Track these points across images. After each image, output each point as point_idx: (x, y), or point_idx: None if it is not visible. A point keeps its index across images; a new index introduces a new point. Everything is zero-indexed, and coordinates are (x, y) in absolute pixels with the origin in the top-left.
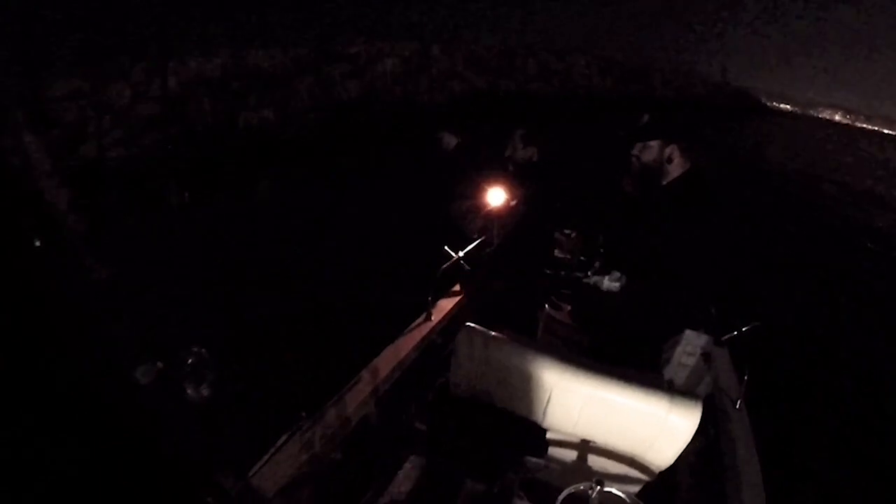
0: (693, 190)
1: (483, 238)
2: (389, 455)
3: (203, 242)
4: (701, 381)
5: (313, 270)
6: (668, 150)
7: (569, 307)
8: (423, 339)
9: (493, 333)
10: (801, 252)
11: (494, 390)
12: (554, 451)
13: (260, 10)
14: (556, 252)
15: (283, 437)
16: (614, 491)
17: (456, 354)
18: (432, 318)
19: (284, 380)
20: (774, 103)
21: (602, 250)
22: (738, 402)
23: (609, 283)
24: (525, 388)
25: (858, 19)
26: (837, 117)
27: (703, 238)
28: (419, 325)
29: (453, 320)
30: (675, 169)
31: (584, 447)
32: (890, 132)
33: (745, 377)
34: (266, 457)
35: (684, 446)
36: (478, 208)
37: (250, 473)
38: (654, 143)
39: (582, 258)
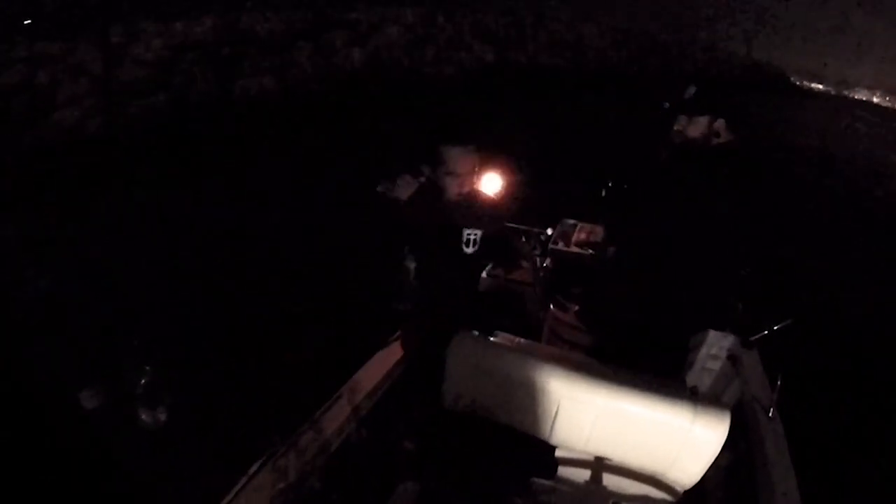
0: (733, 170)
1: (480, 231)
2: (377, 482)
3: (167, 240)
4: (728, 387)
5: (293, 269)
6: (716, 125)
7: (576, 307)
8: (412, 347)
9: (491, 339)
10: (838, 242)
11: (494, 404)
12: (564, 472)
13: None
14: (560, 244)
15: (255, 466)
16: None
17: (449, 364)
18: (422, 323)
19: (254, 399)
20: (805, 81)
21: (615, 238)
22: (771, 410)
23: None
24: (529, 400)
25: None
26: (875, 98)
27: (731, 224)
28: (407, 331)
29: (445, 325)
30: (720, 146)
31: (598, 466)
32: None
33: (779, 382)
34: (235, 489)
35: (711, 461)
36: (473, 196)
37: None
38: (703, 118)
39: (591, 251)
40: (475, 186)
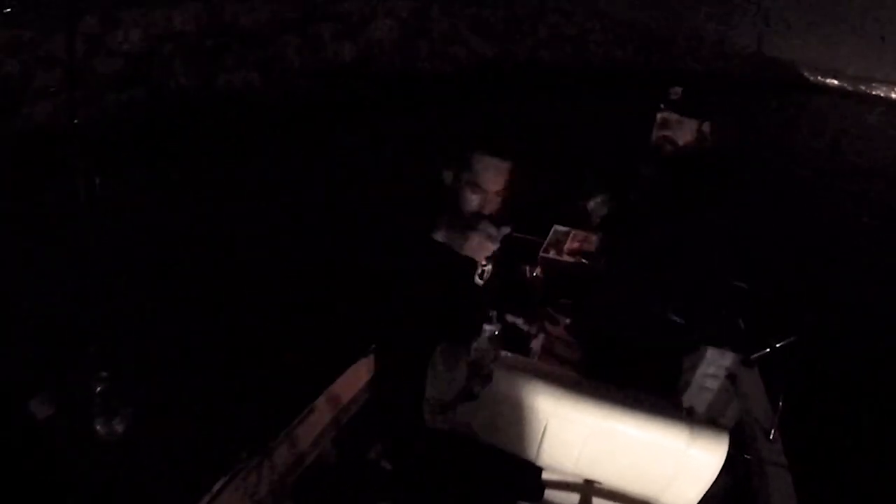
0: (727, 175)
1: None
2: (352, 502)
3: (136, 239)
4: (727, 407)
5: (268, 272)
6: (704, 129)
7: (567, 320)
8: (391, 360)
9: (474, 351)
10: (847, 251)
11: (478, 422)
12: (551, 495)
13: None
14: (551, 252)
15: (220, 483)
16: None
17: (430, 379)
18: (402, 334)
19: (221, 410)
20: (819, 77)
21: (609, 248)
22: (772, 432)
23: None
24: (515, 418)
25: None
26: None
27: (731, 234)
28: (386, 343)
29: (428, 337)
30: (711, 151)
31: (588, 490)
32: None
33: (780, 403)
34: None
35: (709, 486)
36: (494, 218)
37: None
38: (690, 121)
39: (584, 261)
40: (499, 208)
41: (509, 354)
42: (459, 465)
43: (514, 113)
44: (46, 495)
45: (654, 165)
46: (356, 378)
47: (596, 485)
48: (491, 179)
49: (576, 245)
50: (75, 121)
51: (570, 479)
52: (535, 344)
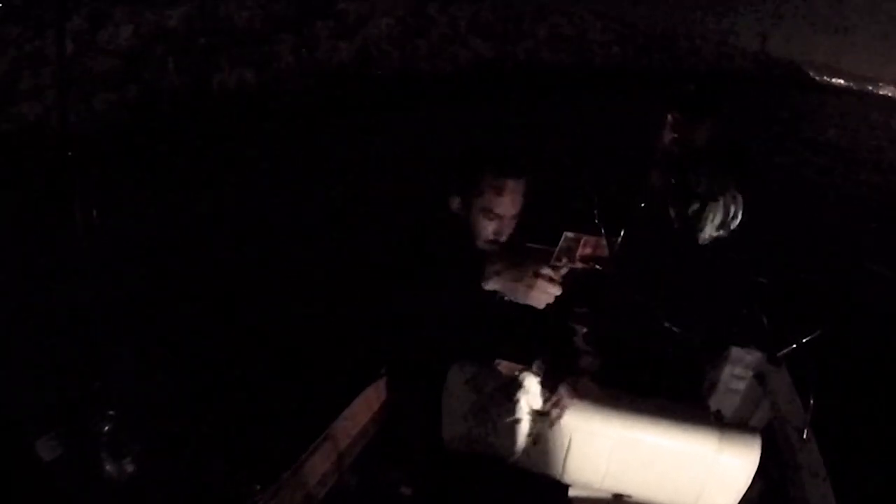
0: (742, 174)
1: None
2: None
3: (135, 255)
4: (756, 409)
5: (274, 290)
6: (715, 128)
7: (584, 329)
8: (405, 381)
9: (492, 368)
10: (870, 246)
11: (499, 441)
12: None
13: None
14: (563, 260)
15: None
16: None
17: (446, 398)
18: (414, 354)
19: (232, 446)
20: (825, 77)
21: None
22: (805, 432)
23: None
24: (539, 436)
25: None
26: None
27: (751, 231)
28: (398, 364)
29: (441, 356)
30: (725, 152)
31: None
32: None
33: (811, 401)
34: None
35: (742, 493)
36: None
37: None
38: (705, 121)
39: (598, 267)
40: (514, 232)
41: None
42: (482, 487)
43: (514, 114)
44: None
45: (664, 166)
46: (370, 402)
47: (625, 499)
48: (507, 204)
49: (588, 251)
50: (65, 121)
51: (597, 494)
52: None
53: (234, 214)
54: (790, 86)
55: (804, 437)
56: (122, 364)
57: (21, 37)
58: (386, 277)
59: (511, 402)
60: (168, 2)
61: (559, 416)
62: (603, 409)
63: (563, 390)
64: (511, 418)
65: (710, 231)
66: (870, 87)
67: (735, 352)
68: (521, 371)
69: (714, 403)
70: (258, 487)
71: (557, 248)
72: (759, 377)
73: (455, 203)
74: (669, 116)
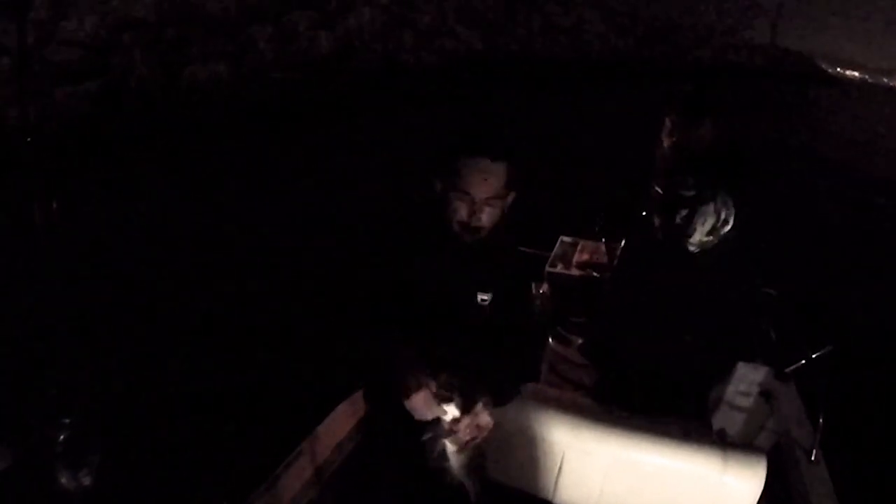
0: (746, 176)
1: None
2: None
3: (95, 255)
4: (762, 428)
5: (245, 292)
6: (718, 129)
7: (580, 340)
8: (381, 396)
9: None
10: (884, 251)
11: (490, 460)
12: None
13: None
14: (558, 266)
15: None
16: None
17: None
18: (391, 364)
19: (199, 458)
20: (838, 70)
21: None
22: (813, 452)
23: None
24: (527, 452)
25: None
26: None
27: (756, 238)
28: (374, 376)
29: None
30: (724, 154)
31: None
32: None
33: (821, 420)
34: None
35: None
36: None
37: None
38: (704, 122)
39: (595, 274)
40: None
41: None
42: None
43: (506, 109)
44: None
45: (667, 168)
46: (346, 416)
47: None
48: (478, 184)
49: (585, 257)
50: (26, 115)
51: None
52: (546, 368)
53: (204, 214)
54: (802, 79)
55: (813, 458)
56: (80, 368)
57: None
58: (363, 283)
59: (500, 417)
60: None
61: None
62: (598, 426)
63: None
64: (499, 434)
65: (699, 236)
66: (884, 80)
67: (741, 367)
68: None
69: (718, 422)
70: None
71: (552, 253)
72: (766, 394)
73: (437, 185)
74: (668, 120)
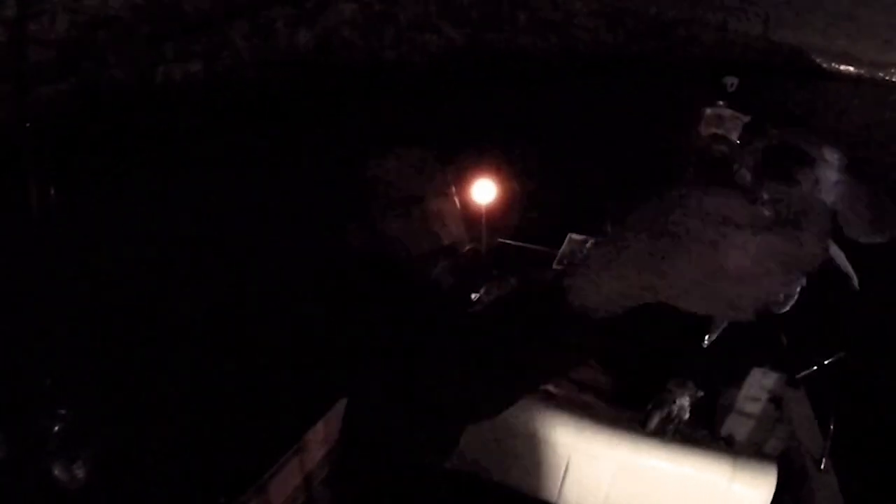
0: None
1: (470, 248)
2: None
3: (78, 254)
4: (771, 435)
5: (232, 292)
6: (758, 125)
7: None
8: (373, 394)
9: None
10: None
11: (493, 461)
12: None
13: None
14: (567, 263)
15: None
16: None
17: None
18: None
19: (193, 454)
20: (833, 64)
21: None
22: (823, 461)
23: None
24: (533, 456)
25: None
26: None
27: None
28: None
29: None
30: (759, 149)
31: None
32: None
33: (831, 427)
34: None
35: None
36: (454, 209)
37: None
38: (744, 117)
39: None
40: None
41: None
42: None
43: (491, 108)
44: None
45: (701, 165)
46: (336, 423)
47: None
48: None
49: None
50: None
51: None
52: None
53: (178, 216)
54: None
55: (822, 466)
56: (75, 360)
57: None
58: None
59: (505, 421)
60: None
61: None
62: (605, 429)
63: None
64: (503, 436)
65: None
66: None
67: (751, 372)
68: None
69: (726, 429)
70: (222, 502)
71: (560, 251)
72: (776, 400)
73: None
74: (708, 110)
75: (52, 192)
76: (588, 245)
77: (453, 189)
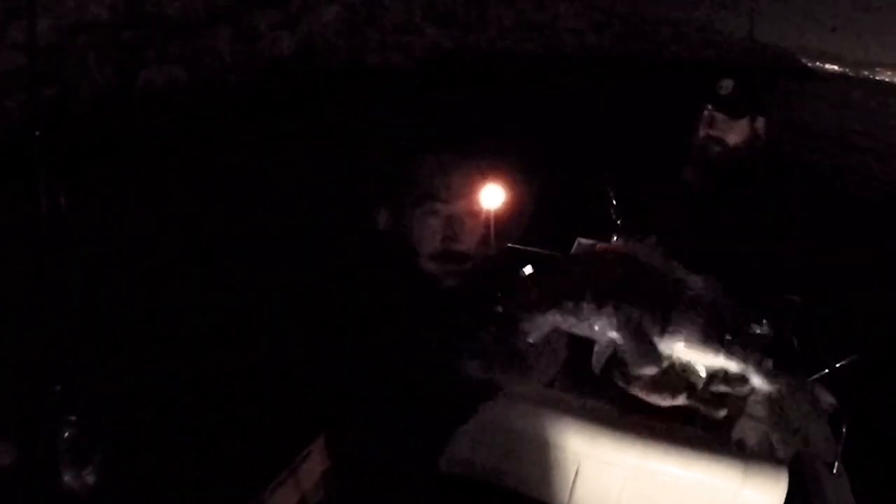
0: (771, 176)
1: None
2: None
3: (87, 261)
4: (782, 439)
5: (236, 301)
6: (757, 125)
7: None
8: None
9: (494, 386)
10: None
11: (500, 466)
12: None
13: None
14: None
15: None
16: None
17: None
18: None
19: (201, 461)
20: (817, 63)
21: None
22: (836, 465)
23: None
24: (542, 460)
25: None
26: None
27: (772, 239)
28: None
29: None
30: (761, 152)
31: None
32: None
33: (843, 431)
34: None
35: None
36: (461, 217)
37: None
38: (742, 120)
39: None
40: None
41: (533, 386)
42: None
43: (477, 111)
44: None
45: (699, 168)
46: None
47: None
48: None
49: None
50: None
51: None
52: (562, 374)
53: (161, 225)
54: (781, 73)
55: (835, 471)
56: (85, 365)
57: None
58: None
59: (513, 424)
60: None
61: None
62: (615, 434)
63: None
64: (512, 441)
65: None
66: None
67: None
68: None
69: (736, 432)
70: None
71: (569, 256)
72: (787, 404)
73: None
74: (707, 112)
75: (63, 198)
76: (597, 249)
77: (469, 192)
